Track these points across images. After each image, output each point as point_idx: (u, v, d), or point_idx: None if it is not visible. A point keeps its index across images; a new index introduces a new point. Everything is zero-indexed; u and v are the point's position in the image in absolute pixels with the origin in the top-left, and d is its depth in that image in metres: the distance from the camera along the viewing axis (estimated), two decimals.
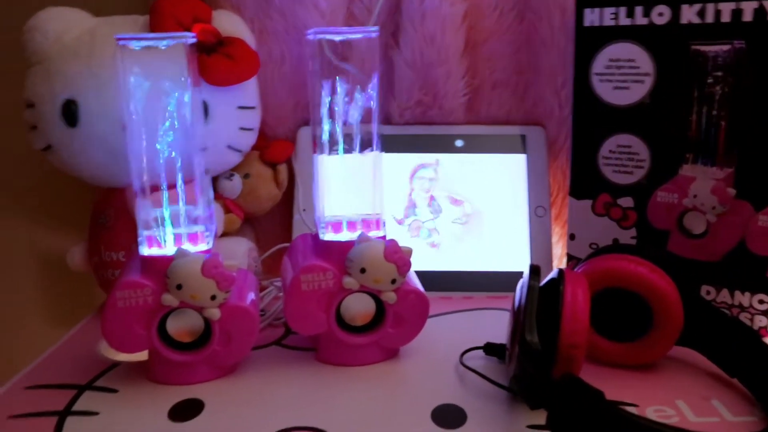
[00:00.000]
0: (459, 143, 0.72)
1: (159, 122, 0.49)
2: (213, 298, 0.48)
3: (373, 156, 0.52)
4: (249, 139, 0.66)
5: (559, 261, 0.73)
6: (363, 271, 0.50)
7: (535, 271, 0.48)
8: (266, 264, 0.69)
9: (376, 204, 0.53)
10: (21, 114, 0.61)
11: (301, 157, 0.72)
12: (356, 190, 0.53)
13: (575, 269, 0.52)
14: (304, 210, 0.70)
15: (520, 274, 0.51)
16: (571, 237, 0.66)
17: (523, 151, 0.71)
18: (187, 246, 0.50)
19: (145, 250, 0.49)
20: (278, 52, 0.71)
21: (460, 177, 0.71)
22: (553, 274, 0.48)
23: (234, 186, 0.67)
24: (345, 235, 0.52)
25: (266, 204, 0.70)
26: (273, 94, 0.71)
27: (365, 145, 0.52)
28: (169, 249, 0.49)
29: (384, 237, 0.52)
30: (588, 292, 0.47)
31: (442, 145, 0.72)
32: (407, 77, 0.70)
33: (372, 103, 0.52)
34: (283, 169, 0.70)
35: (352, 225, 0.53)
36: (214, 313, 0.49)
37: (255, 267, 0.67)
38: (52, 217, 0.80)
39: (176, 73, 0.48)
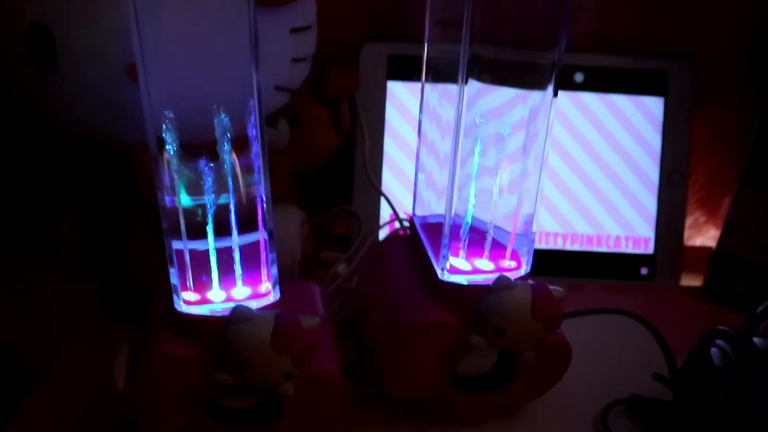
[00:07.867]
0: None
1: (191, 56, 0.29)
2: (287, 375, 0.33)
3: None
4: (301, 73, 0.46)
5: None
6: (501, 332, 0.35)
7: None
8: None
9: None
10: None
11: (366, 86, 0.52)
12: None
13: None
14: (369, 160, 0.53)
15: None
16: None
17: None
18: (244, 291, 0.33)
19: (183, 305, 0.33)
20: None
21: None
22: None
23: (280, 135, 0.48)
24: (473, 276, 0.35)
25: (322, 155, 0.52)
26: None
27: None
28: (216, 299, 0.33)
29: (527, 276, 0.36)
30: None
31: None
32: None
33: None
34: (345, 107, 0.51)
35: (477, 242, 0.36)
36: (287, 389, 0.34)
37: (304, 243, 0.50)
38: None
39: None
